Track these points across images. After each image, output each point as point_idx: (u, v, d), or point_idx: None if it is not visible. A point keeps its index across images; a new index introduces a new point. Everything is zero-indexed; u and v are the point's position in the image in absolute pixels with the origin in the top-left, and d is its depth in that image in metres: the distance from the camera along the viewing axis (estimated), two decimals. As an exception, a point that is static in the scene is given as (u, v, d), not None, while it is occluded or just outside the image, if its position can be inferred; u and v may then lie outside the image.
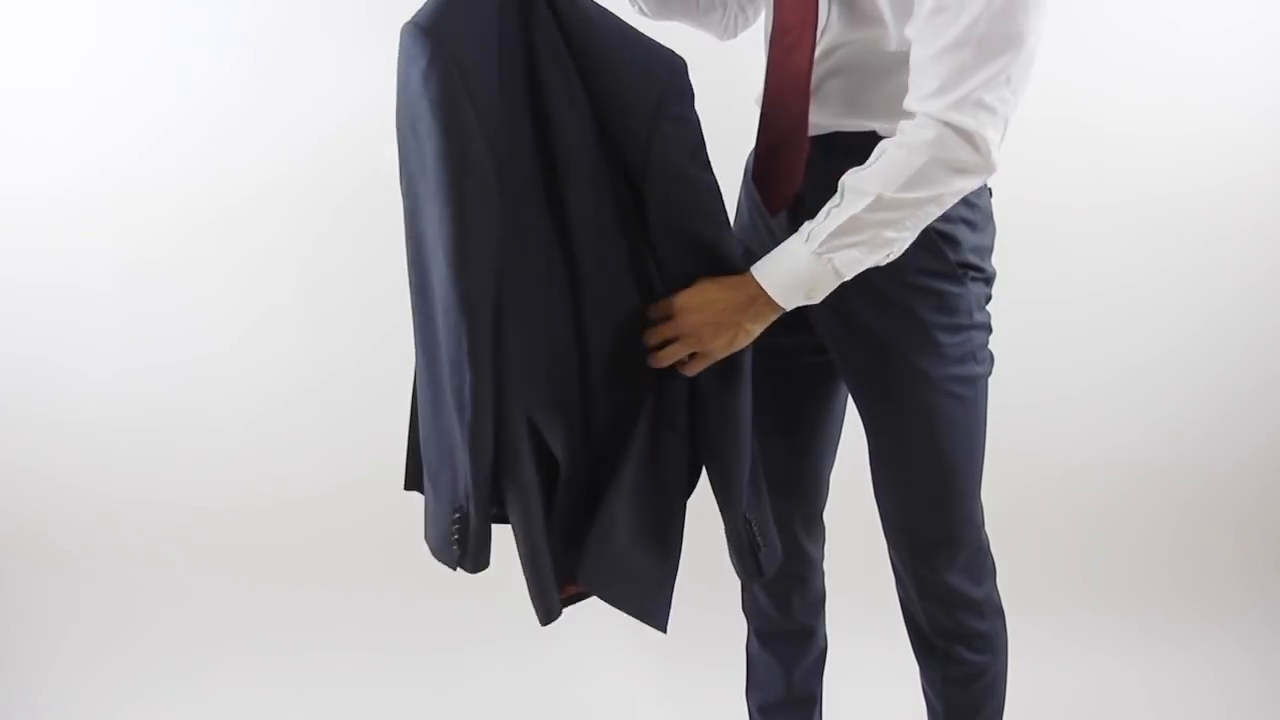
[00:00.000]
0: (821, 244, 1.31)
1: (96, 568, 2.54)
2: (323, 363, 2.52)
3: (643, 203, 1.35)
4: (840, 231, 1.30)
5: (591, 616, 2.55)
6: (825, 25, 1.39)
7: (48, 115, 2.46)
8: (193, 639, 2.48)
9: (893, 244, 1.32)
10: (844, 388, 1.67)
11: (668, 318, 1.36)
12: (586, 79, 1.31)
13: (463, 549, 1.41)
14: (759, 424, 1.67)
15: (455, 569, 1.45)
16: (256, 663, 2.44)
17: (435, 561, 2.53)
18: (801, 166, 1.43)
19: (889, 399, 1.51)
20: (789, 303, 1.36)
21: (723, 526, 1.50)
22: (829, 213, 1.31)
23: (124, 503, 2.56)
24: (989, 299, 1.52)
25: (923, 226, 1.33)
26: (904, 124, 1.30)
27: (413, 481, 1.54)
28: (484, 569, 1.46)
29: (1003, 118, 1.28)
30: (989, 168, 1.30)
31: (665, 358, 1.37)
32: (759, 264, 1.36)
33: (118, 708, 2.33)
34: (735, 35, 1.71)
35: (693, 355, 1.38)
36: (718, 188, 1.37)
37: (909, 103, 1.30)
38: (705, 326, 1.35)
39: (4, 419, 2.54)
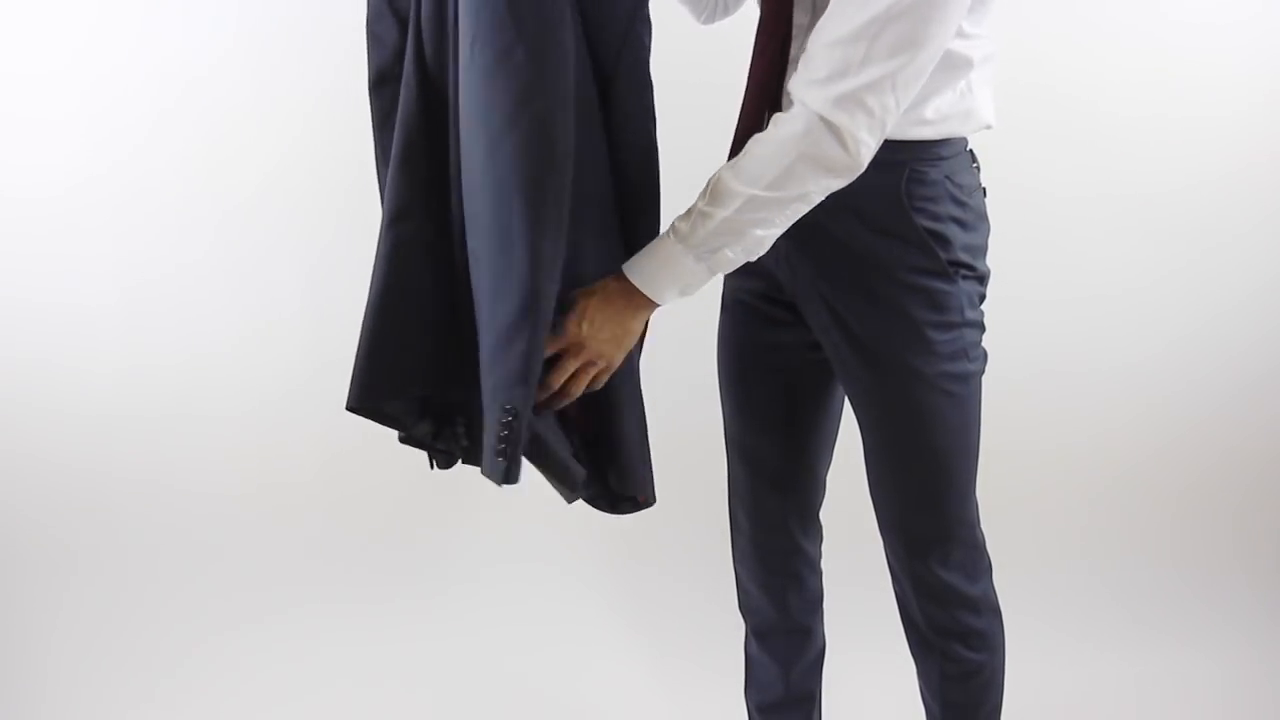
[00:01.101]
0: (697, 246, 1.32)
1: (97, 564, 2.55)
2: (323, 358, 2.52)
3: (613, 103, 1.37)
4: (715, 233, 1.32)
5: (591, 616, 2.57)
6: (800, 15, 1.40)
7: (47, 114, 2.46)
8: (192, 634, 2.49)
9: (763, 241, 1.34)
10: (840, 386, 1.68)
11: (565, 351, 1.35)
12: None
13: (509, 456, 1.30)
14: (757, 422, 1.68)
15: (500, 485, 1.32)
16: (256, 660, 2.44)
17: (434, 562, 2.56)
18: None
19: (881, 395, 1.51)
20: (665, 300, 1.37)
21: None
22: (701, 214, 1.32)
23: (124, 498, 2.57)
24: (983, 298, 1.53)
25: (791, 223, 1.34)
26: (777, 115, 1.30)
27: (360, 397, 1.39)
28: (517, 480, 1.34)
29: (879, 122, 1.28)
30: (856, 169, 1.30)
31: (578, 386, 1.37)
32: (633, 268, 1.36)
33: (119, 702, 2.34)
34: (713, 20, 1.72)
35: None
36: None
37: (791, 84, 1.30)
38: (606, 345, 1.36)
39: (4, 418, 2.55)
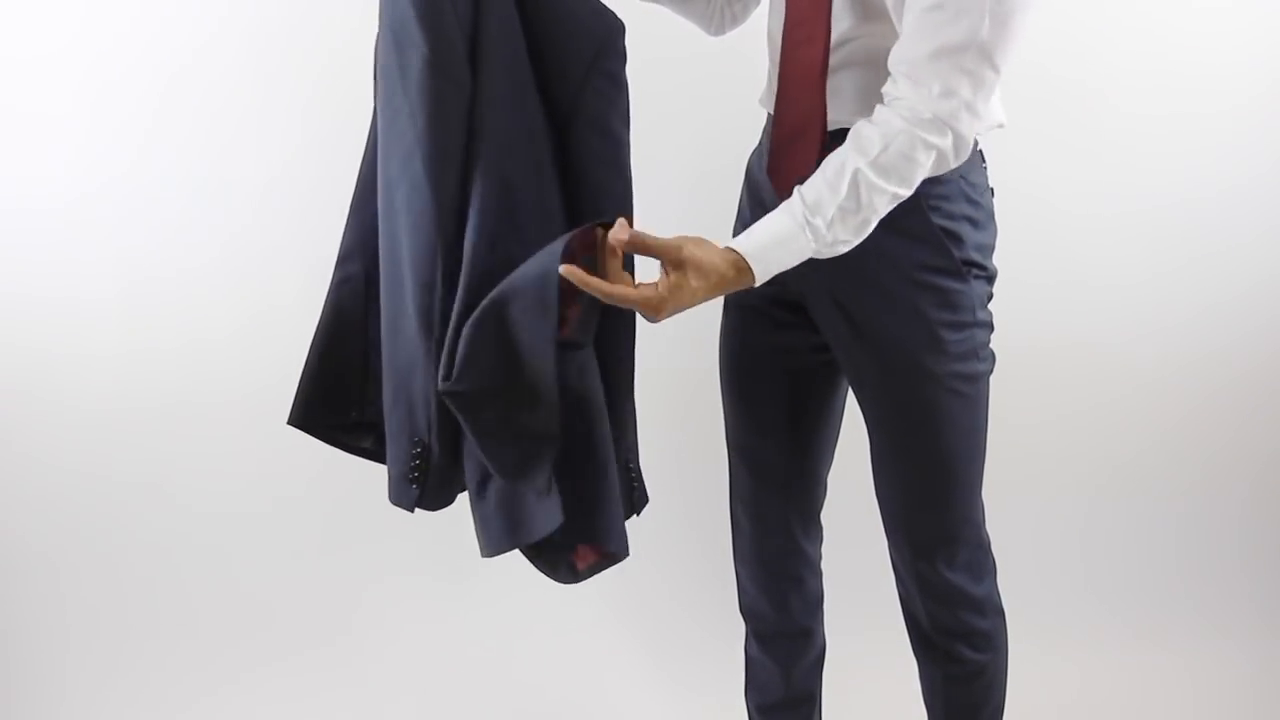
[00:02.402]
0: (829, 239, 1.31)
1: (98, 563, 2.52)
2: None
3: (565, 148, 1.40)
4: (854, 228, 1.31)
5: (591, 616, 2.56)
6: (838, 19, 1.40)
7: (48, 114, 2.44)
8: (191, 633, 2.48)
9: (869, 230, 1.34)
10: (844, 387, 1.68)
11: (638, 297, 1.28)
12: (530, 24, 1.37)
13: (422, 486, 1.41)
14: (759, 424, 1.68)
15: (413, 510, 1.43)
16: (255, 658, 2.43)
17: (433, 566, 2.55)
18: (816, 159, 1.42)
19: (892, 395, 1.52)
20: (762, 280, 1.34)
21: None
22: (842, 210, 1.30)
23: (124, 498, 2.55)
24: (990, 298, 1.53)
25: None
26: (908, 114, 1.29)
27: (302, 416, 1.50)
28: (445, 506, 1.46)
29: (981, 122, 1.33)
30: (955, 166, 1.35)
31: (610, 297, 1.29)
32: (758, 256, 1.31)
33: (120, 698, 2.34)
34: (722, 32, 1.71)
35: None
36: (629, 145, 1.42)
37: (902, 93, 1.30)
38: (668, 312, 1.30)
39: (3, 418, 2.53)
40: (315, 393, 1.49)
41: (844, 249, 1.34)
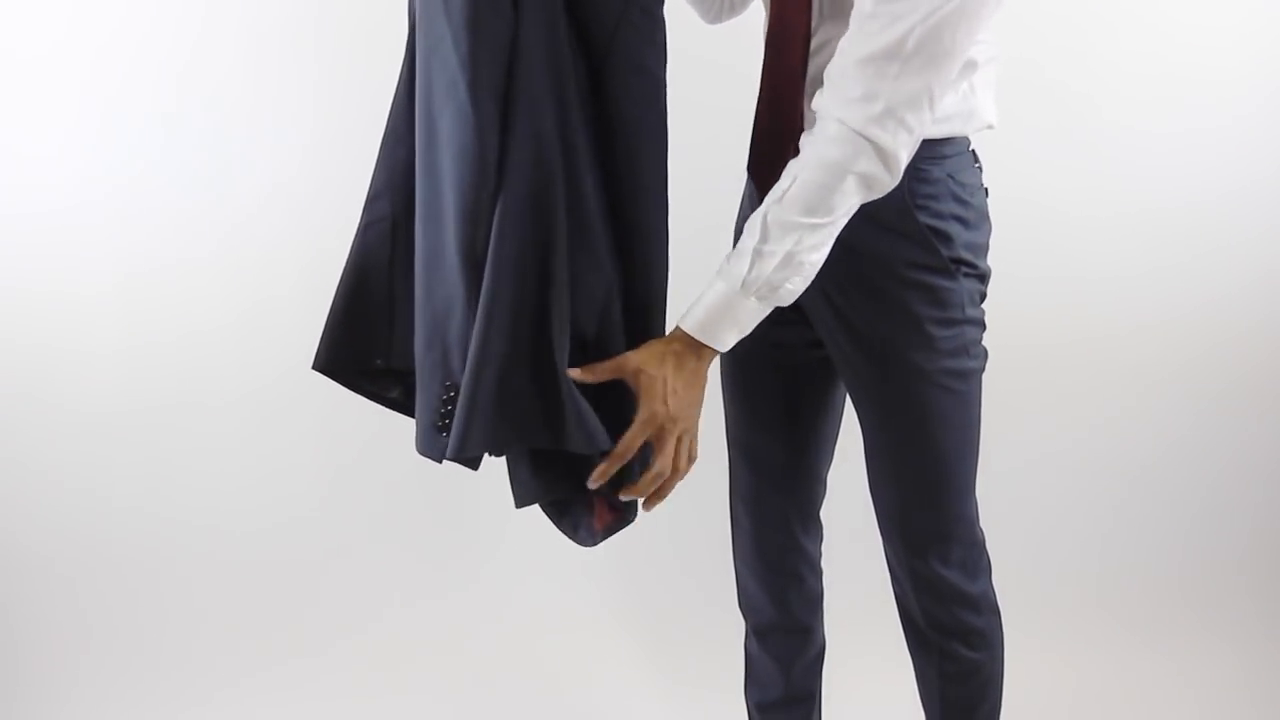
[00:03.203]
0: (760, 288, 1.33)
1: (98, 563, 2.55)
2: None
3: (604, 86, 1.38)
4: (778, 270, 1.32)
5: (591, 615, 2.58)
6: (817, 23, 1.41)
7: (48, 114, 2.46)
8: (191, 632, 2.50)
9: (817, 265, 1.35)
10: (842, 384, 1.68)
11: (661, 433, 1.35)
12: None
13: (452, 430, 1.35)
14: (759, 420, 1.69)
15: (440, 461, 1.38)
16: (257, 660, 2.45)
17: (433, 564, 2.56)
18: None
19: (883, 392, 1.52)
20: (729, 346, 1.37)
21: None
22: (759, 254, 1.31)
23: (123, 499, 2.57)
24: (983, 296, 1.54)
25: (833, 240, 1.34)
26: (814, 136, 1.30)
27: (326, 361, 1.47)
28: (475, 461, 1.41)
29: (915, 138, 1.30)
30: (892, 186, 1.32)
31: (682, 460, 1.38)
32: (694, 324, 1.35)
33: (118, 693, 2.36)
34: (719, 20, 1.73)
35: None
36: (665, 80, 1.41)
37: (823, 103, 1.31)
38: (691, 410, 1.37)
39: (3, 418, 2.55)
40: (340, 338, 1.46)
41: (794, 287, 1.34)
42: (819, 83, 1.41)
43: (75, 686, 2.40)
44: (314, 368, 1.47)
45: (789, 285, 1.34)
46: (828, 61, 1.39)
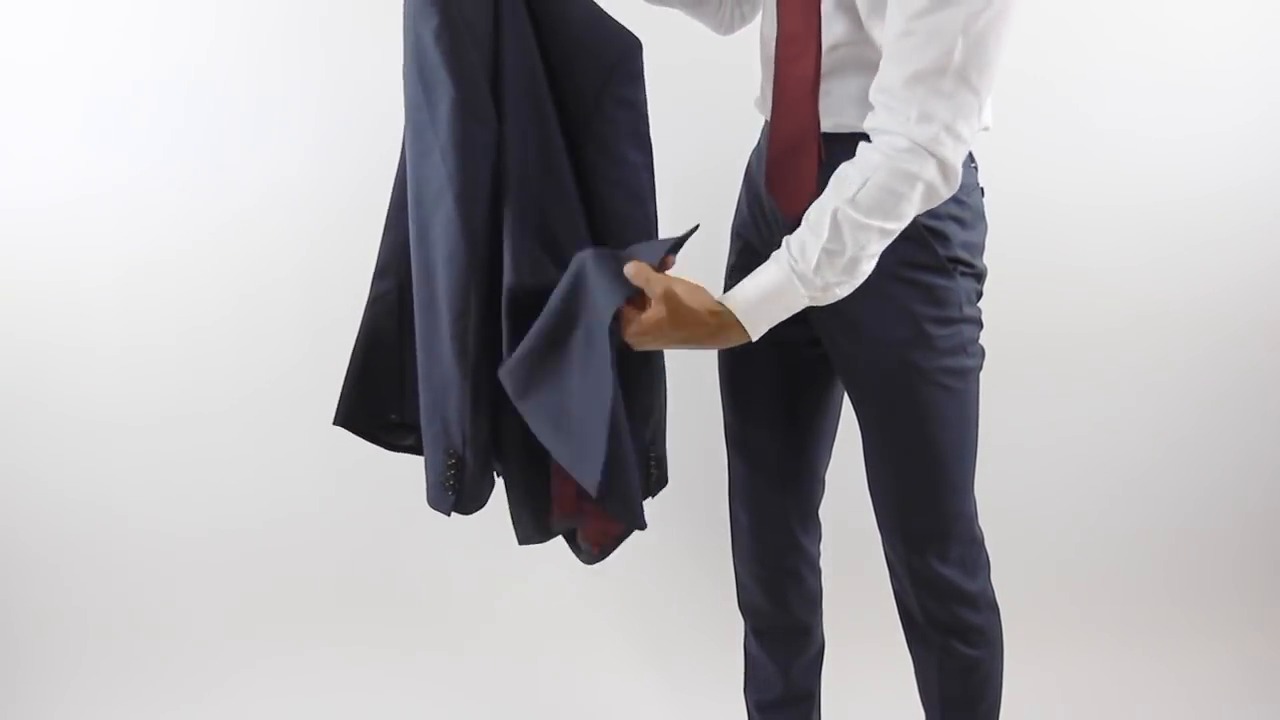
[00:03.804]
0: (818, 285, 1.33)
1: (97, 563, 2.55)
2: (323, 361, 2.53)
3: (583, 173, 1.44)
4: (842, 270, 1.32)
5: (590, 614, 2.58)
6: (829, 26, 1.41)
7: (48, 115, 2.47)
8: (191, 633, 2.51)
9: (867, 275, 1.36)
10: (839, 382, 1.69)
11: (647, 317, 1.34)
12: (546, 50, 1.41)
13: (458, 493, 1.47)
14: (756, 417, 1.70)
15: (449, 514, 1.50)
16: (256, 660, 2.45)
17: (433, 562, 2.57)
18: (815, 169, 1.45)
19: (881, 390, 1.53)
20: (757, 337, 1.38)
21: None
22: (827, 254, 1.31)
23: (123, 501, 2.58)
24: (980, 295, 1.54)
25: None
26: (886, 148, 1.30)
27: (345, 418, 1.59)
28: (478, 509, 1.52)
29: (967, 146, 1.31)
30: (947, 197, 1.34)
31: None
32: (748, 307, 1.34)
33: (115, 695, 2.36)
34: (732, 31, 1.74)
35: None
36: (651, 167, 1.46)
37: (881, 123, 1.31)
38: (668, 342, 1.36)
39: (3, 418, 2.56)
40: (356, 399, 1.58)
41: (842, 291, 1.35)
42: (832, 88, 1.43)
43: (76, 686, 2.40)
44: (334, 423, 1.59)
45: (839, 289, 1.35)
46: (839, 65, 1.40)
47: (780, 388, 1.68)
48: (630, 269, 1.32)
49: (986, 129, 1.49)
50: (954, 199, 1.46)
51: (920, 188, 1.30)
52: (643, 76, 1.44)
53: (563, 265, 1.38)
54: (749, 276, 1.37)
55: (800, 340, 1.62)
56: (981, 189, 1.54)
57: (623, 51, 1.42)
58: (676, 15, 1.71)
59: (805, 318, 1.57)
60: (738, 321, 1.35)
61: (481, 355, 1.43)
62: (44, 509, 2.55)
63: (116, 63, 2.46)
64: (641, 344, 1.36)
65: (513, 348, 1.40)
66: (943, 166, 1.29)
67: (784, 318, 1.37)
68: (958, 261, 1.48)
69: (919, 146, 1.28)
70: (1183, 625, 2.52)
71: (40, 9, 2.44)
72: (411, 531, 2.59)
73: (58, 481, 2.55)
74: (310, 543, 2.60)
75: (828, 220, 1.30)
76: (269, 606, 2.55)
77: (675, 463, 2.30)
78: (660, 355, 1.52)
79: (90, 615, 2.52)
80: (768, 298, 1.35)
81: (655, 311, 1.32)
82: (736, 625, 1.87)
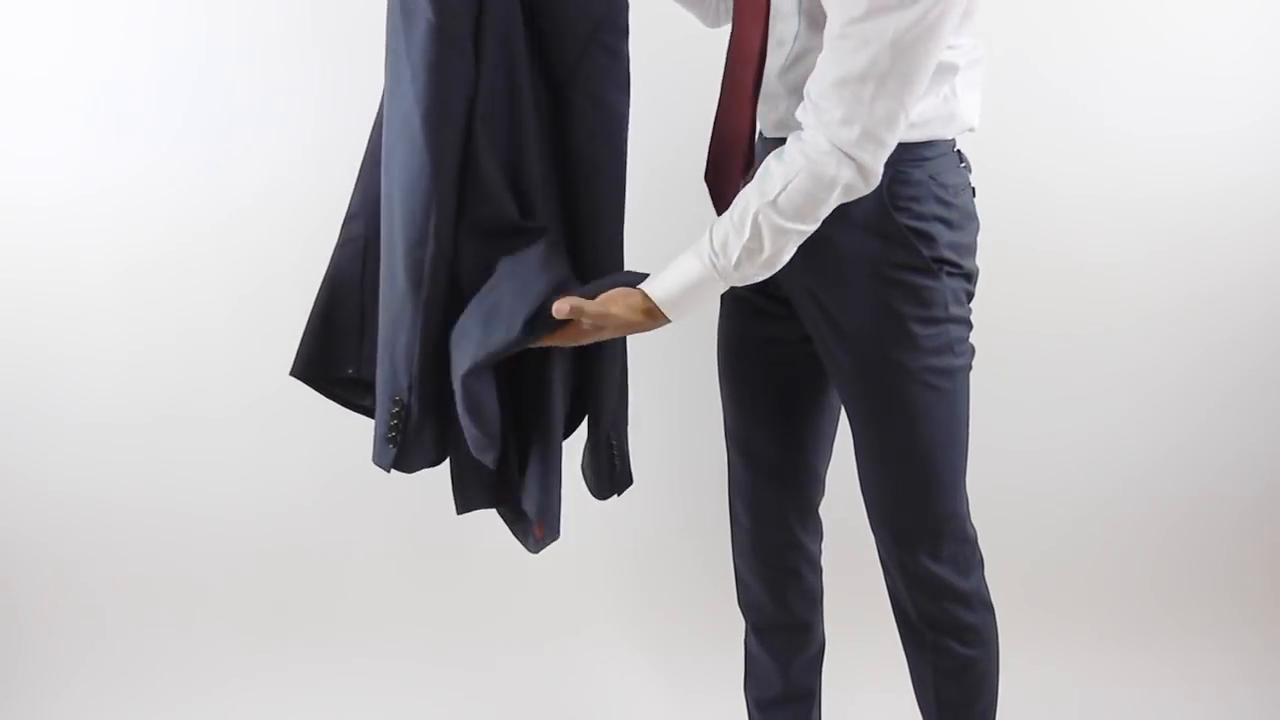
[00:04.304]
0: (739, 279, 1.40)
1: (97, 562, 2.56)
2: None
3: (562, 119, 1.46)
4: (760, 265, 1.39)
5: (590, 613, 2.58)
6: (795, 34, 1.44)
7: (49, 116, 2.48)
8: (190, 636, 2.51)
9: (784, 262, 1.42)
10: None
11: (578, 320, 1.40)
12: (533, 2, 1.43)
13: (399, 446, 1.46)
14: (754, 415, 1.70)
15: (389, 470, 1.48)
16: (256, 659, 2.46)
17: (433, 562, 2.57)
18: (740, 173, 1.49)
19: (868, 389, 1.54)
20: (682, 320, 1.44)
21: (587, 443, 1.58)
22: (747, 250, 1.37)
23: (123, 501, 2.58)
24: (970, 295, 1.55)
25: None
26: (804, 145, 1.35)
27: (303, 368, 1.57)
28: (421, 468, 1.50)
29: (889, 149, 1.36)
30: (867, 192, 1.38)
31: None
32: (665, 297, 1.41)
33: (116, 697, 2.37)
34: (719, 25, 1.75)
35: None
36: (627, 118, 1.48)
37: (807, 119, 1.35)
38: (602, 334, 1.43)
39: (3, 414, 2.57)
40: (315, 348, 1.56)
41: (759, 278, 1.42)
42: (798, 92, 1.45)
43: (76, 686, 2.41)
44: (291, 374, 1.56)
45: (758, 278, 1.42)
46: (806, 72, 1.40)
47: (776, 385, 1.69)
48: (561, 306, 1.37)
49: (973, 130, 1.50)
50: (941, 200, 1.47)
51: (838, 190, 1.36)
52: (628, 32, 1.46)
53: (527, 210, 1.42)
54: (672, 265, 1.43)
55: (793, 338, 1.63)
56: (973, 189, 1.54)
57: (611, 4, 1.44)
58: (662, 8, 1.71)
59: (795, 315, 1.57)
60: (658, 309, 1.42)
61: (438, 297, 1.42)
62: (44, 508, 2.56)
63: (116, 63, 2.47)
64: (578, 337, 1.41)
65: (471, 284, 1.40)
66: (861, 170, 1.34)
67: (706, 303, 1.45)
68: (944, 262, 1.48)
69: (838, 150, 1.33)
70: (1180, 625, 2.50)
71: (40, 10, 2.44)
72: (412, 531, 2.60)
73: (56, 481, 2.55)
74: (311, 542, 2.60)
75: (750, 221, 1.37)
76: (269, 606, 2.55)
77: (676, 462, 2.30)
78: (613, 342, 1.53)
79: (90, 615, 2.53)
80: (689, 290, 1.41)
81: (591, 326, 1.39)
82: (736, 624, 1.87)
